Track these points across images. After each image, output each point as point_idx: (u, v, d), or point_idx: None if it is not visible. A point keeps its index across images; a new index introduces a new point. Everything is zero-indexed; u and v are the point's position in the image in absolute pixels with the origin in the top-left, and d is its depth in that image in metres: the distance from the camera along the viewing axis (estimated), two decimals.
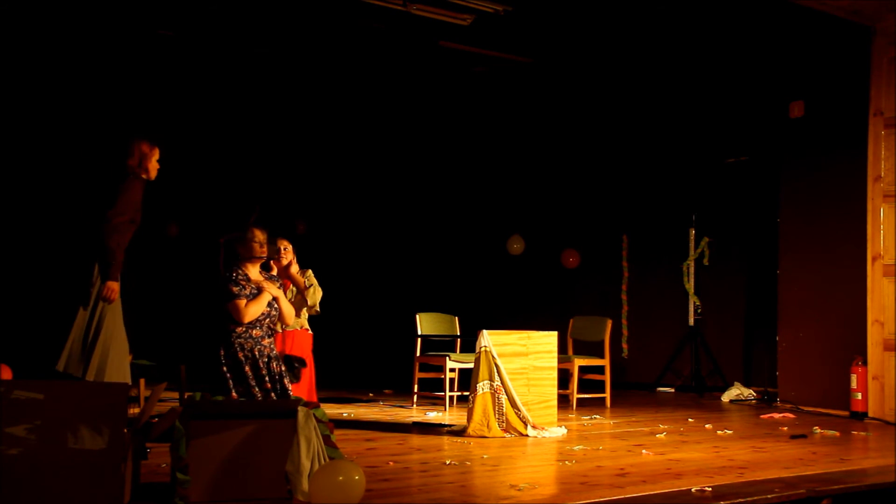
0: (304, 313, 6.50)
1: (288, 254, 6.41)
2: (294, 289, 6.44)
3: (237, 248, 5.35)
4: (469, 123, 11.68)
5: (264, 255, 5.42)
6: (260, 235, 5.37)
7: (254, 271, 5.34)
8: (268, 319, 5.28)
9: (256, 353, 5.18)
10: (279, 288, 5.47)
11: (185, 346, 7.39)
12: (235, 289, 5.17)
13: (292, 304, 6.33)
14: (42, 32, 8.88)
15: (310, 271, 6.53)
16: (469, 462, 5.21)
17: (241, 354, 5.14)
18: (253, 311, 5.19)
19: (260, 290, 5.25)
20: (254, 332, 5.21)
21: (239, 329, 5.18)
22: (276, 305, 5.33)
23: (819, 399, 8.00)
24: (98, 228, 5.39)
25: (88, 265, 5.42)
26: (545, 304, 10.86)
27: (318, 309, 6.49)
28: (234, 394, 5.07)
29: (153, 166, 5.69)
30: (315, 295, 6.46)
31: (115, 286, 5.39)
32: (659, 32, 8.98)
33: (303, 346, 6.40)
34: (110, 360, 5.39)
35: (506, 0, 8.07)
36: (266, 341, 5.26)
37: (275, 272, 5.93)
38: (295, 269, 6.41)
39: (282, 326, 5.99)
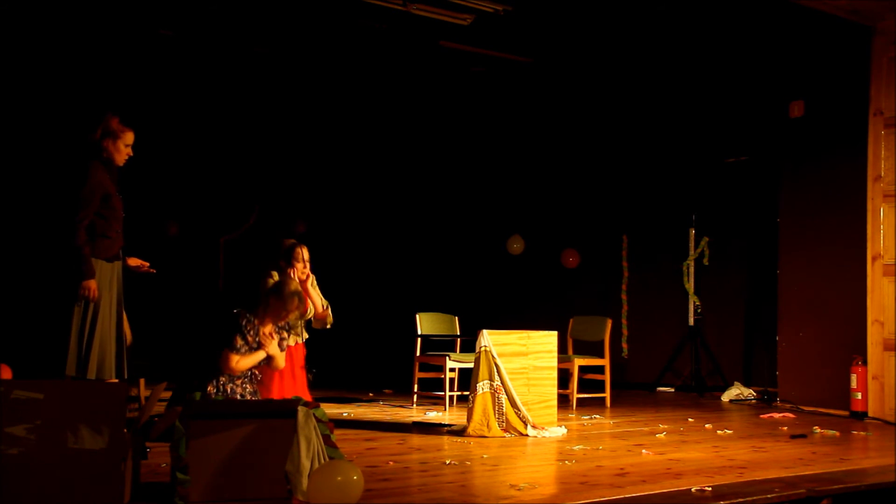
0: (301, 323, 6.25)
1: (307, 266, 6.11)
2: (311, 307, 6.15)
3: (271, 298, 5.28)
4: (469, 123, 11.67)
5: (290, 322, 5.38)
6: (297, 305, 5.31)
7: (268, 326, 5.30)
8: (255, 368, 5.29)
9: (229, 391, 5.16)
10: (284, 336, 5.41)
11: (181, 353, 7.38)
12: (239, 342, 5.16)
13: (305, 317, 6.18)
14: (43, 33, 8.87)
15: (313, 277, 6.30)
16: (469, 462, 5.21)
17: (217, 394, 5.12)
18: (241, 366, 5.17)
19: (259, 346, 5.23)
20: (237, 379, 5.23)
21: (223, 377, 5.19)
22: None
23: (819, 399, 8.00)
24: (66, 227, 5.20)
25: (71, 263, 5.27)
26: (545, 304, 10.85)
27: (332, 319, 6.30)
28: None
29: (121, 149, 5.37)
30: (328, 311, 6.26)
31: (91, 284, 5.22)
32: (659, 32, 8.98)
33: (298, 359, 6.16)
34: (107, 359, 5.35)
35: (506, 0, 8.07)
36: (249, 388, 5.25)
37: (294, 283, 5.55)
38: (312, 280, 6.18)
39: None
